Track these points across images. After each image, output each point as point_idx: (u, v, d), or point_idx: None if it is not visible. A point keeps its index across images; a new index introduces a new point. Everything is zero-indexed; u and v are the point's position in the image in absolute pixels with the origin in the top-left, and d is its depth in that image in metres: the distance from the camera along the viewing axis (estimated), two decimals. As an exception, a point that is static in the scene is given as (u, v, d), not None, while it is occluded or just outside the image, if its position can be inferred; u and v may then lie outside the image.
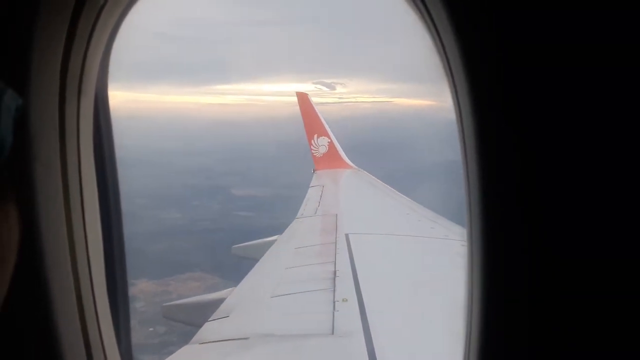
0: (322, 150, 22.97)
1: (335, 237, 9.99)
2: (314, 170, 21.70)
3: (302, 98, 23.61)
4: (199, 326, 6.55)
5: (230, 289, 8.19)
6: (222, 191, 47.28)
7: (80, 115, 1.53)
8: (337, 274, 7.65)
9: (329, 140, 23.07)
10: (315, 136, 23.05)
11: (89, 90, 1.58)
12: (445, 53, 1.33)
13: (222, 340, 5.81)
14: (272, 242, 10.94)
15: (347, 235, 9.96)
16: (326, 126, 23.60)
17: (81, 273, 1.53)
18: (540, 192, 1.18)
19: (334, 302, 6.54)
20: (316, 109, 23.60)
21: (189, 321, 8.86)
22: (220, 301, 7.36)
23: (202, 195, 46.36)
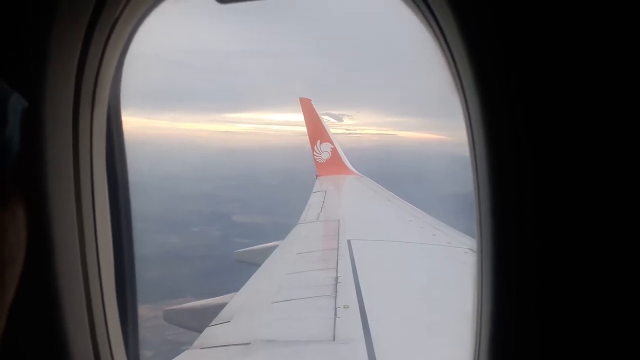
0: (325, 156, 22.98)
1: (337, 243, 9.98)
2: (316, 176, 21.71)
3: (306, 104, 23.65)
4: (200, 331, 6.54)
5: (231, 294, 8.18)
6: (223, 218, 47.58)
7: (94, 122, 1.55)
8: (338, 280, 7.63)
9: (332, 146, 23.09)
10: (318, 142, 23.07)
11: (103, 99, 1.60)
12: (453, 60, 1.34)
13: (223, 346, 5.80)
14: (274, 248, 10.95)
15: (349, 242, 9.96)
16: (329, 132, 23.63)
17: (91, 278, 1.55)
18: (551, 195, 1.17)
19: (336, 309, 6.52)
20: (319, 115, 23.65)
21: (190, 326, 8.86)
22: (221, 306, 7.35)
23: (203, 221, 46.65)
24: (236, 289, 8.30)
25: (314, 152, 23.06)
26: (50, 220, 1.36)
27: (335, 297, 6.94)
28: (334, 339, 5.69)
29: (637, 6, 1.09)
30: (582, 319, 1.19)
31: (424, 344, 5.51)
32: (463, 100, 1.36)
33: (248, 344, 5.71)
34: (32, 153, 1.30)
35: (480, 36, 1.19)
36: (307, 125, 23.35)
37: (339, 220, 12.32)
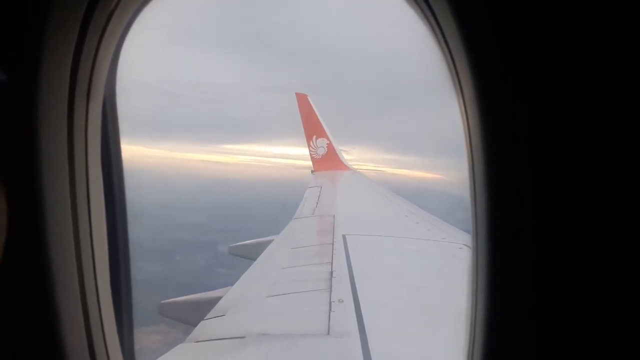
0: (321, 151, 23.01)
1: (333, 238, 10.01)
2: (312, 171, 21.73)
3: (302, 99, 23.61)
4: (195, 324, 6.54)
5: (226, 287, 8.19)
6: (209, 247, 47.19)
7: (89, 117, 1.55)
8: (333, 275, 7.66)
9: (328, 142, 23.11)
10: (314, 137, 23.08)
11: (98, 94, 1.60)
12: (451, 57, 1.34)
13: (217, 339, 5.81)
14: (269, 242, 10.95)
15: (344, 236, 9.98)
16: (325, 128, 23.62)
17: (86, 276, 1.55)
18: (549, 192, 1.17)
19: (330, 303, 6.54)
20: (316, 111, 23.62)
21: (185, 319, 8.86)
22: (216, 300, 7.36)
23: (189, 251, 46.35)
24: (231, 283, 8.31)
25: (310, 148, 23.06)
26: (45, 214, 1.36)
27: (330, 291, 6.96)
28: (328, 333, 5.72)
29: (637, 5, 1.10)
30: (578, 317, 1.19)
31: (418, 338, 5.54)
32: (460, 98, 1.36)
33: (243, 337, 5.72)
34: (26, 147, 1.30)
35: (478, 33, 1.20)
36: (304, 121, 23.33)
37: (334, 215, 12.35)
